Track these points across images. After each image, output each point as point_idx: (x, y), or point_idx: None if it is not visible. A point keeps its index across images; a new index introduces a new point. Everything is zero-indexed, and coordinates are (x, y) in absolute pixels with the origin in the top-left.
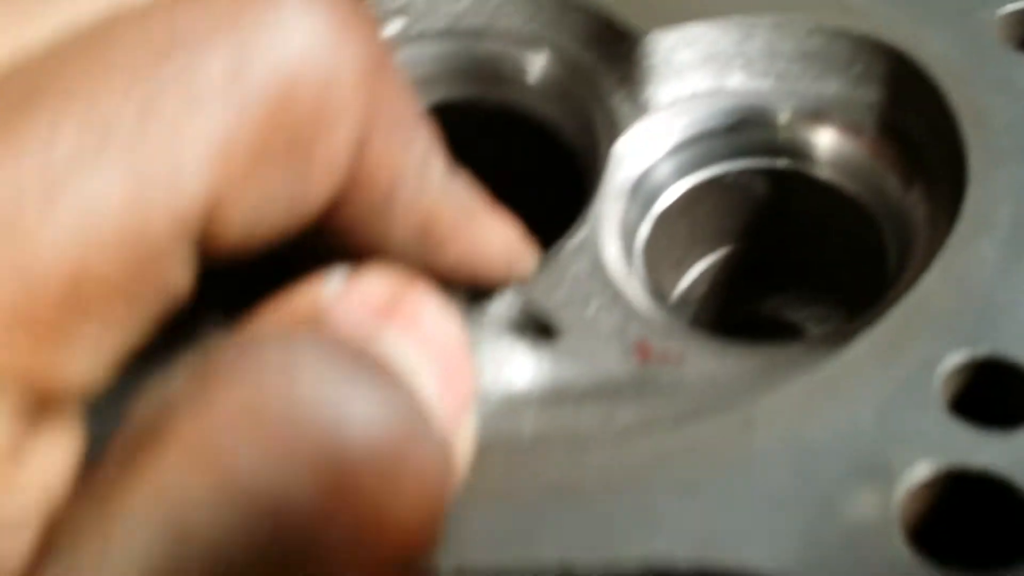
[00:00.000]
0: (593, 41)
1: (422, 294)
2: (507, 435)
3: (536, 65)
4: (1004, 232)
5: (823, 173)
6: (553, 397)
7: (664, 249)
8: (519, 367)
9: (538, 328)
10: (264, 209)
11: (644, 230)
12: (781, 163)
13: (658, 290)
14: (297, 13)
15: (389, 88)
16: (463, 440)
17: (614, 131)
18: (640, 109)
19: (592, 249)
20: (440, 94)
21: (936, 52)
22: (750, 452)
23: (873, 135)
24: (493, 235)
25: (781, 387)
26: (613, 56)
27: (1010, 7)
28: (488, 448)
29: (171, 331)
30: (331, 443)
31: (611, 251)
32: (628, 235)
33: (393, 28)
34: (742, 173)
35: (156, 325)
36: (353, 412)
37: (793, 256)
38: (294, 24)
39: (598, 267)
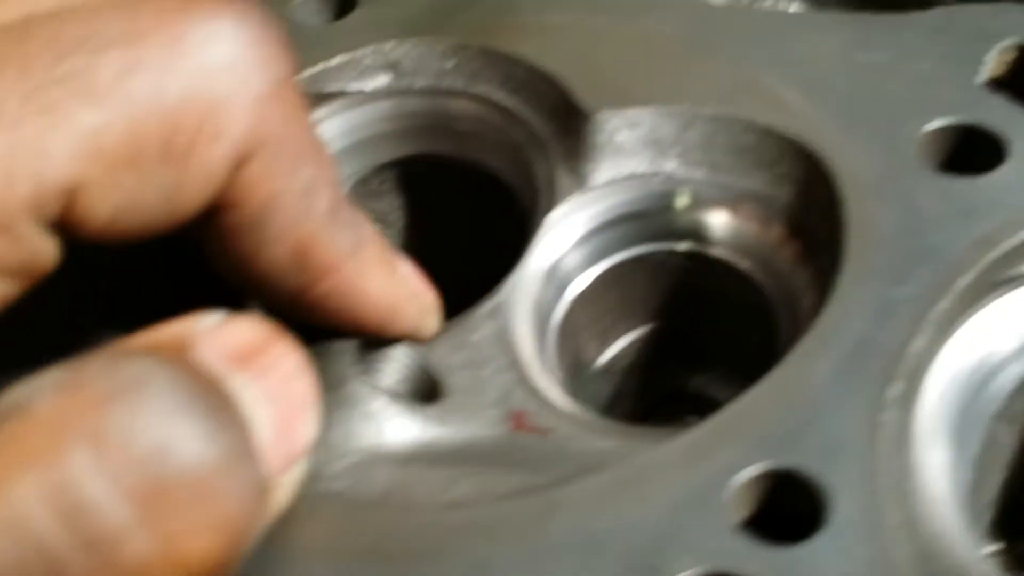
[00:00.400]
0: (552, 113)
1: (284, 350)
2: (356, 491)
3: (499, 128)
4: (844, 353)
5: (738, 261)
6: (417, 455)
7: (587, 321)
8: (397, 425)
9: (425, 388)
10: (133, 203)
11: (563, 302)
12: (702, 248)
13: (576, 359)
14: (208, 34)
15: (283, 116)
16: (286, 486)
17: (551, 201)
18: (579, 183)
19: (503, 316)
20: (414, 148)
21: (851, 162)
22: (545, 539)
23: (782, 231)
24: (375, 278)
25: (592, 476)
26: (565, 130)
27: (934, 124)
28: (329, 501)
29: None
30: (153, 457)
31: (522, 319)
32: (543, 305)
33: (380, 81)
34: (669, 253)
35: (20, 290)
36: (180, 435)
37: (717, 336)
38: (200, 45)
39: (504, 334)
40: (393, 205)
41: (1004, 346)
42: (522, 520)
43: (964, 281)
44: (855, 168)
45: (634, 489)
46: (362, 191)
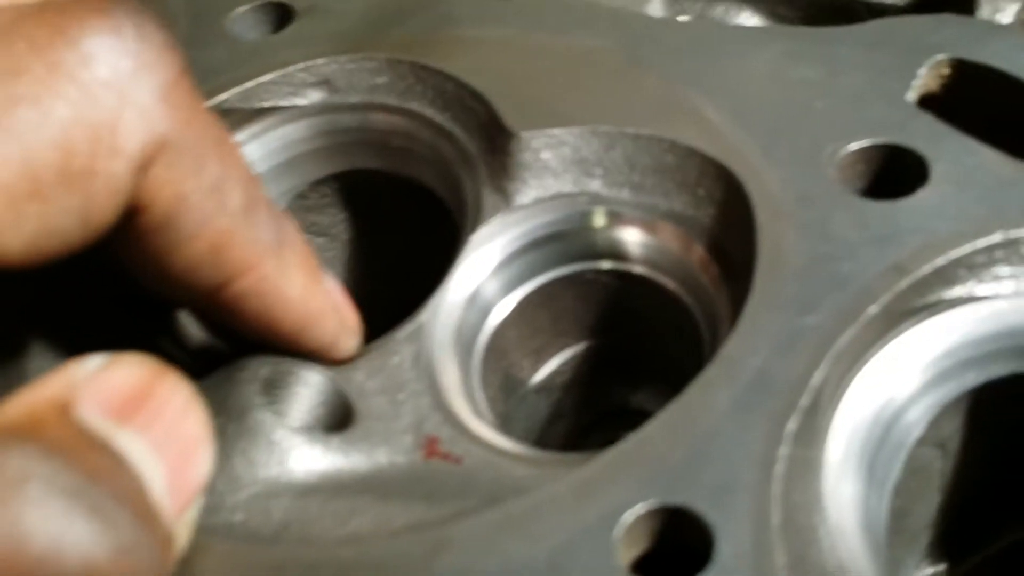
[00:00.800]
0: (480, 131)
1: (169, 389)
2: (253, 524)
3: (429, 145)
4: (743, 385)
5: (663, 280)
6: (319, 486)
7: (517, 340)
8: (301, 455)
9: (338, 415)
10: (44, 230)
11: (489, 323)
12: (626, 267)
13: (508, 379)
14: (84, 56)
15: (177, 117)
16: (186, 525)
17: (476, 220)
18: (505, 201)
19: (422, 339)
20: (350, 163)
21: (768, 186)
22: (430, 574)
23: (701, 252)
24: (295, 280)
25: (484, 512)
26: (492, 148)
27: (857, 145)
28: (224, 534)
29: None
30: (44, 565)
31: (442, 342)
32: (466, 327)
33: (313, 97)
34: (595, 272)
35: None
36: (69, 537)
37: (650, 353)
38: (77, 68)
39: (422, 358)
40: (336, 219)
41: (919, 377)
42: (410, 558)
43: (873, 310)
44: (772, 191)
45: (524, 527)
46: (301, 205)
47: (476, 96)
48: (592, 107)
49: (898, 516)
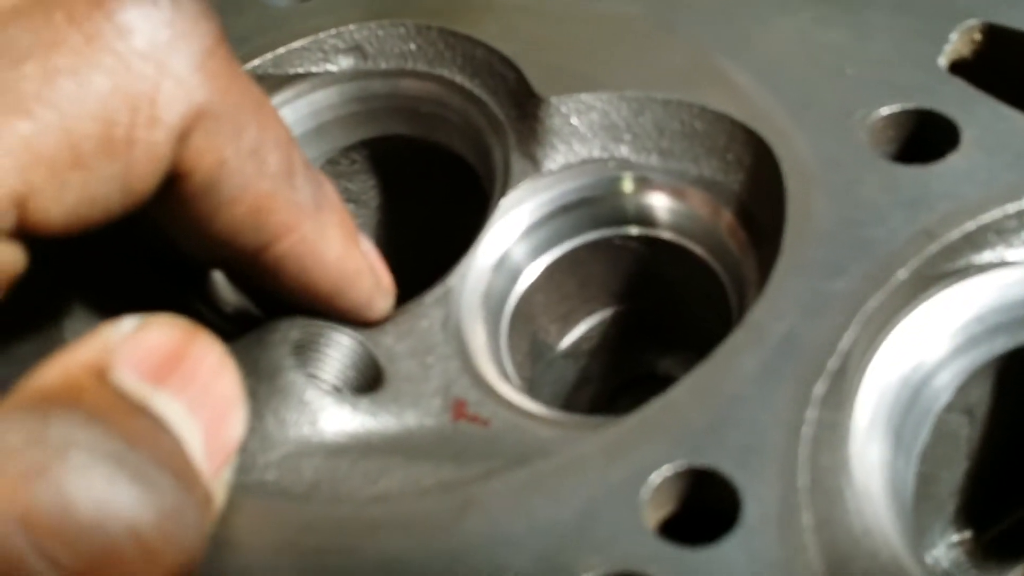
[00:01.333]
0: (509, 97)
1: (202, 349)
2: (284, 483)
3: (461, 111)
4: (770, 349)
5: (691, 246)
6: (350, 447)
7: (545, 305)
8: (331, 415)
9: (368, 377)
10: (86, 198)
11: (517, 288)
12: (655, 232)
13: (536, 344)
14: (121, 27)
15: (215, 85)
16: (222, 486)
17: (505, 185)
18: (534, 167)
19: (451, 303)
20: (381, 129)
21: (797, 150)
22: (458, 535)
23: (732, 218)
24: (333, 241)
25: (510, 472)
26: (521, 114)
27: (887, 110)
28: (256, 492)
29: None
30: (91, 532)
31: (471, 306)
32: (495, 291)
33: (344, 63)
34: (623, 238)
35: None
36: (113, 503)
37: (678, 319)
38: (115, 39)
39: (451, 321)
40: (366, 185)
41: (948, 342)
42: (437, 516)
43: (902, 275)
44: (802, 156)
45: (551, 487)
46: (331, 171)
47: (505, 61)
48: (621, 72)
49: (925, 482)
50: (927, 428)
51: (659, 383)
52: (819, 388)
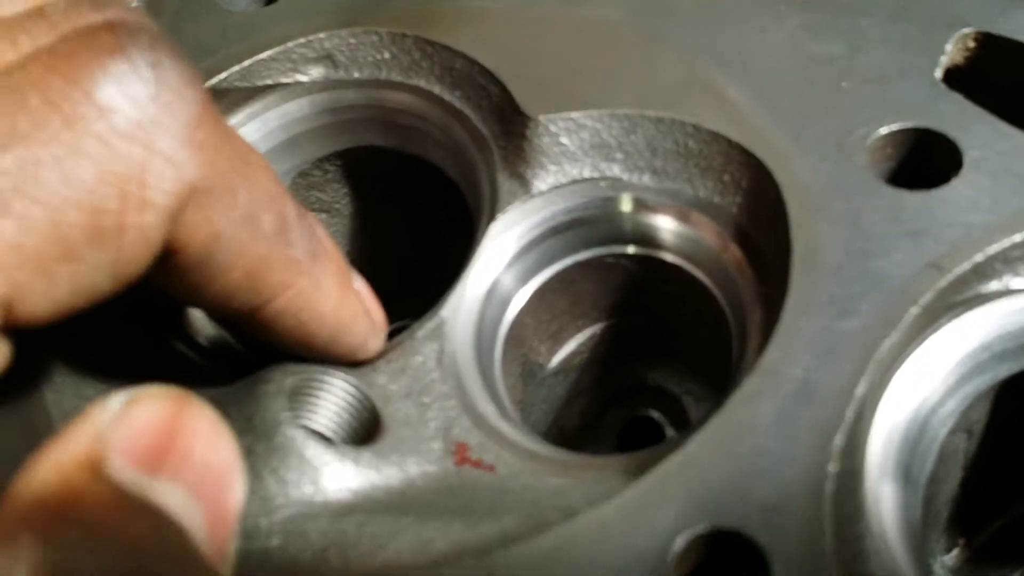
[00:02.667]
0: (493, 113)
1: (195, 418)
2: (291, 548)
3: (440, 124)
4: (787, 397)
5: (684, 265)
6: (355, 504)
7: (536, 326)
8: (334, 471)
9: (365, 421)
10: (75, 288)
11: (509, 314)
12: (649, 251)
13: (527, 364)
14: (102, 104)
15: (205, 156)
16: (228, 561)
17: (494, 207)
18: (523, 187)
19: (444, 336)
20: (355, 140)
21: (797, 174)
22: None
23: (730, 241)
24: (329, 293)
25: (531, 540)
26: (506, 132)
27: (887, 128)
28: (263, 562)
29: None
30: None
31: (464, 337)
32: (487, 320)
33: (315, 73)
34: (615, 257)
35: None
36: None
37: (668, 334)
38: (96, 120)
39: (445, 355)
40: (339, 193)
41: (954, 372)
42: None
43: (914, 312)
44: (803, 180)
45: (575, 555)
46: (303, 183)
47: (488, 75)
48: (610, 87)
49: (926, 502)
50: (933, 456)
51: (649, 392)
52: (838, 439)
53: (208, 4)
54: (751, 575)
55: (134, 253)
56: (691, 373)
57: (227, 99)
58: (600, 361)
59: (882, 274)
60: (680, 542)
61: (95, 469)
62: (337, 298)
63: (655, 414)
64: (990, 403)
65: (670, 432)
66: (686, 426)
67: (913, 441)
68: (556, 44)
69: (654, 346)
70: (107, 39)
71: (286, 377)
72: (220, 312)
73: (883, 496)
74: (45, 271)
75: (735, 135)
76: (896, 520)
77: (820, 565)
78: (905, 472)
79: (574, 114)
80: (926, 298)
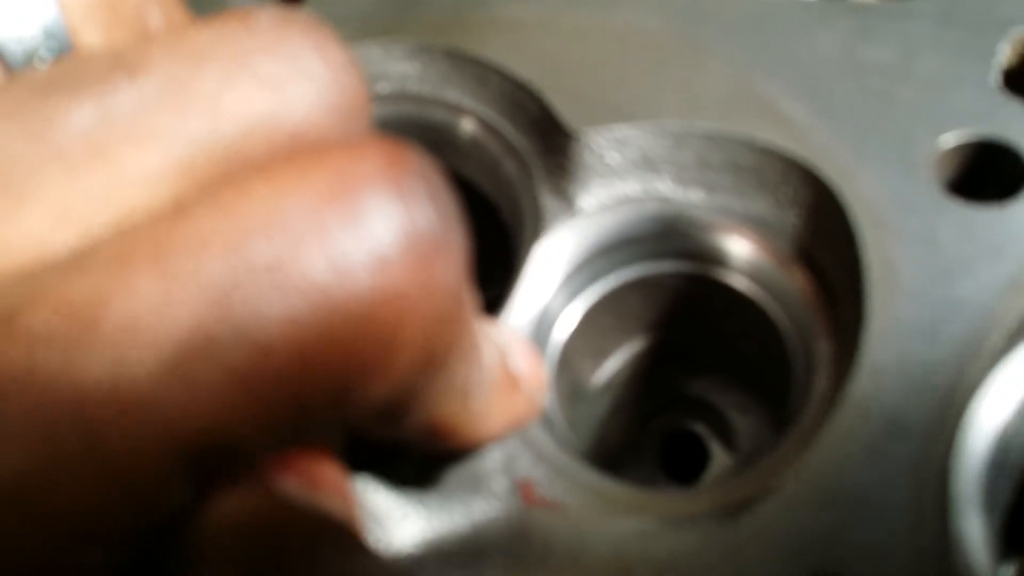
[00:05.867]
0: (533, 128)
1: None
2: None
3: (472, 138)
4: (877, 433)
5: (737, 283)
6: (426, 553)
7: (581, 347)
8: (397, 521)
9: (422, 469)
10: None
11: (556, 336)
12: (701, 268)
13: (574, 386)
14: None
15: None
16: None
17: (539, 227)
18: (568, 207)
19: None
20: None
21: (863, 192)
22: None
23: (788, 259)
24: (496, 416)
25: None
26: (546, 149)
27: (951, 139)
28: None
29: None
30: None
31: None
32: (538, 343)
33: None
34: (666, 275)
35: None
36: None
37: (714, 347)
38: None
39: None
40: None
41: None
42: None
43: (997, 337)
44: (868, 197)
45: None
46: None
47: (524, 88)
48: (655, 99)
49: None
50: (1013, 483)
51: (689, 403)
52: (929, 473)
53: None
54: None
55: None
56: (735, 382)
57: None
58: (641, 376)
59: (964, 298)
60: None
61: None
62: (503, 414)
63: (698, 427)
64: None
65: (714, 446)
66: (729, 438)
67: (996, 469)
68: (594, 54)
69: (696, 361)
70: None
71: None
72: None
73: (971, 528)
74: None
75: (791, 149)
76: (983, 548)
77: None
78: (991, 501)
79: (619, 129)
80: (1009, 320)
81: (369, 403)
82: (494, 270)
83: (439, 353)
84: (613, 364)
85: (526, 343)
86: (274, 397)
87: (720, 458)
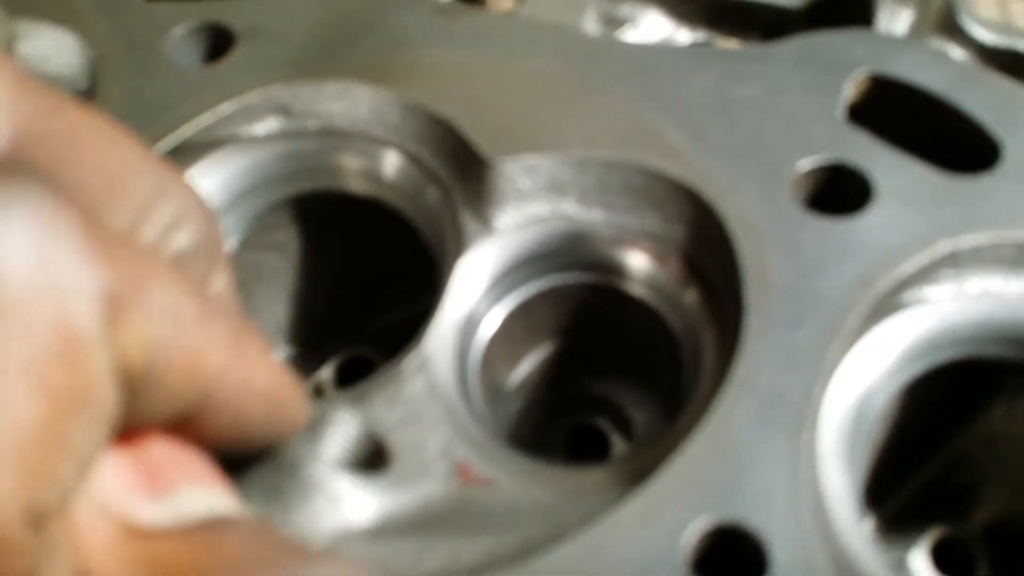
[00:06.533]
0: (450, 159)
1: None
2: None
3: (397, 169)
4: (761, 399)
5: (634, 289)
6: (382, 528)
7: (499, 352)
8: (357, 502)
9: (370, 451)
10: None
11: (478, 343)
12: (602, 278)
13: (493, 387)
14: None
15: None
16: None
17: (460, 247)
18: (486, 228)
19: (430, 369)
20: (310, 185)
21: (737, 207)
22: None
23: (680, 269)
24: (259, 370)
25: (556, 549)
26: (465, 176)
27: (806, 163)
28: None
29: None
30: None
31: (446, 367)
32: (463, 349)
33: (271, 125)
34: (571, 286)
35: None
36: None
37: (613, 350)
38: None
39: (433, 386)
40: (290, 235)
41: (881, 370)
42: None
43: (851, 322)
44: (741, 211)
45: (598, 557)
46: (259, 226)
47: (443, 124)
48: (559, 132)
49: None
50: (868, 445)
51: (591, 402)
52: (805, 436)
53: (157, 61)
54: (753, 559)
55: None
56: (631, 381)
57: (188, 153)
58: (549, 378)
59: (822, 291)
60: (687, 536)
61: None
62: (268, 379)
63: (600, 421)
64: (906, 396)
65: (615, 437)
66: (627, 429)
67: (854, 432)
68: (505, 93)
69: (598, 363)
70: None
71: None
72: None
73: (836, 484)
74: None
75: (677, 173)
76: (846, 499)
77: (810, 548)
78: (852, 460)
79: (530, 158)
80: (860, 308)
81: None
82: (418, 286)
83: None
84: (525, 367)
85: None
86: None
87: (620, 448)
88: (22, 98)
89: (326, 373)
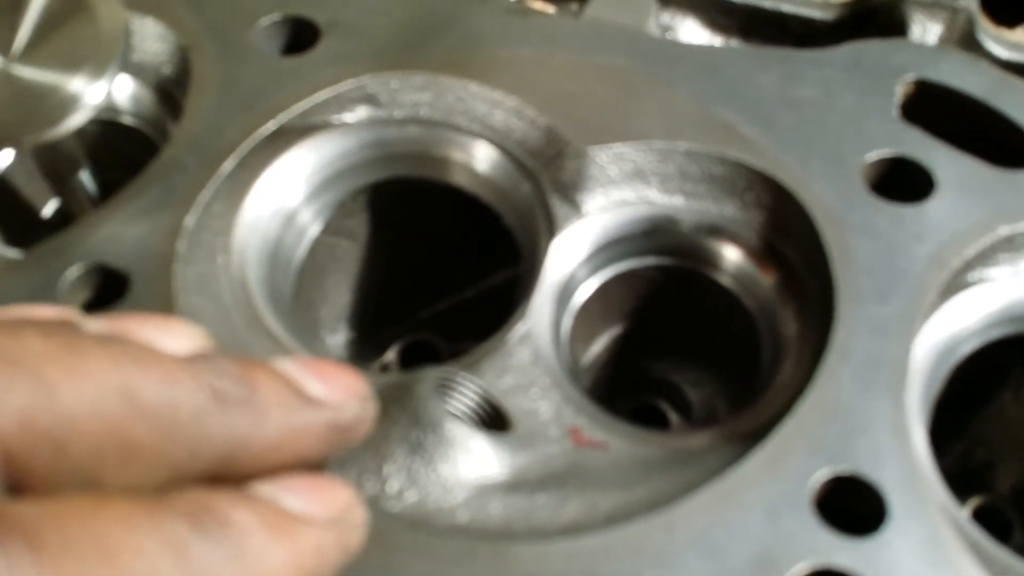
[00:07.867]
0: (539, 148)
1: None
2: (480, 523)
3: (487, 158)
4: (859, 365)
5: (714, 275)
6: (515, 483)
7: (579, 330)
8: (489, 458)
9: (496, 419)
10: None
11: (567, 317)
12: (682, 263)
13: (575, 364)
14: None
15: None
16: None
17: (552, 228)
18: (576, 211)
19: (533, 340)
20: (398, 171)
21: (814, 193)
22: (672, 550)
23: (758, 252)
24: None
25: (694, 496)
26: (554, 164)
27: (872, 156)
28: (460, 536)
29: None
30: None
31: (545, 341)
32: (557, 324)
33: (360, 113)
34: (650, 268)
35: None
36: None
37: (681, 332)
38: None
39: (539, 356)
40: (361, 221)
41: (955, 341)
42: (647, 539)
43: (930, 296)
44: (820, 198)
45: (733, 502)
46: (340, 212)
47: (532, 114)
48: (640, 123)
49: None
50: (929, 406)
51: (652, 384)
52: (906, 396)
53: (245, 51)
54: (873, 504)
55: None
56: (694, 366)
57: (282, 139)
58: (617, 358)
59: (902, 270)
60: (812, 482)
61: None
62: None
63: (660, 402)
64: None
65: (673, 416)
66: (688, 411)
67: (926, 394)
68: (583, 86)
69: (663, 344)
70: None
71: (432, 377)
72: None
73: (920, 440)
74: None
75: (755, 163)
76: (924, 449)
77: (924, 494)
78: (925, 418)
79: (619, 146)
80: (936, 286)
81: None
82: (489, 271)
83: None
84: (597, 347)
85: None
86: None
87: (679, 428)
88: None
89: (391, 355)
